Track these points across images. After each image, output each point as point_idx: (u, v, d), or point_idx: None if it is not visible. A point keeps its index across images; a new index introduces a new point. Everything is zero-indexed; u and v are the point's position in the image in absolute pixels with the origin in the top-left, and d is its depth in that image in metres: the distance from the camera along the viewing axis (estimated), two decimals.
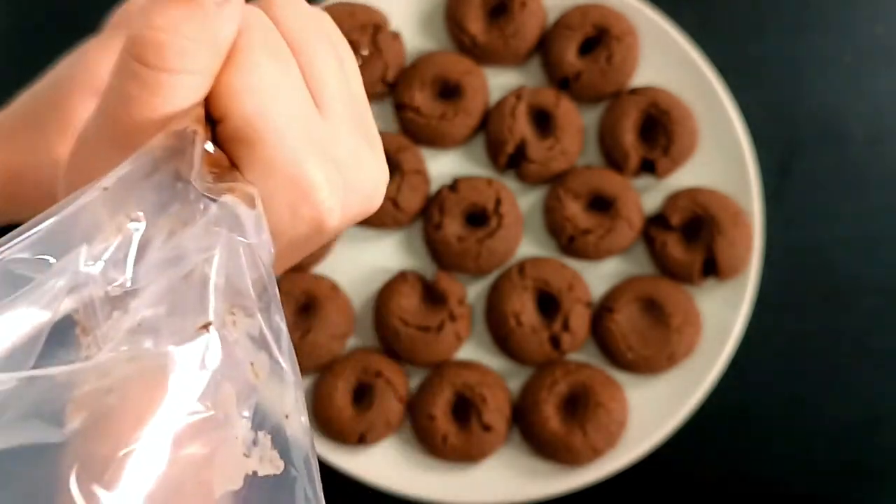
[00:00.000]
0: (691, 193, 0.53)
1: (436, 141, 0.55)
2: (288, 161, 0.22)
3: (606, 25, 0.54)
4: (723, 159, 0.54)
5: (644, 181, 0.55)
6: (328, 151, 0.24)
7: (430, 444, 0.52)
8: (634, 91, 0.54)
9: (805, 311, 0.56)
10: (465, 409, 0.52)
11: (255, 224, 0.21)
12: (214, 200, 0.20)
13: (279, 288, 0.55)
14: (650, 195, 0.55)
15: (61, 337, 0.18)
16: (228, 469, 0.19)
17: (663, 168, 0.53)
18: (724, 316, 0.53)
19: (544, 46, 0.55)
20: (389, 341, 0.53)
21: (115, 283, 0.18)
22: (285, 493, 0.20)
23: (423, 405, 0.52)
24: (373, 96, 0.56)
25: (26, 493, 0.17)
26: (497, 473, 0.53)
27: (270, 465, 0.19)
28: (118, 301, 0.18)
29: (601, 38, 0.54)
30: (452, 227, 0.53)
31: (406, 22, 0.56)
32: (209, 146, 0.22)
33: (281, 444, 0.20)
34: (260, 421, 0.20)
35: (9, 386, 0.17)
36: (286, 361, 0.20)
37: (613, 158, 0.54)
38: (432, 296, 0.54)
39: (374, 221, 0.54)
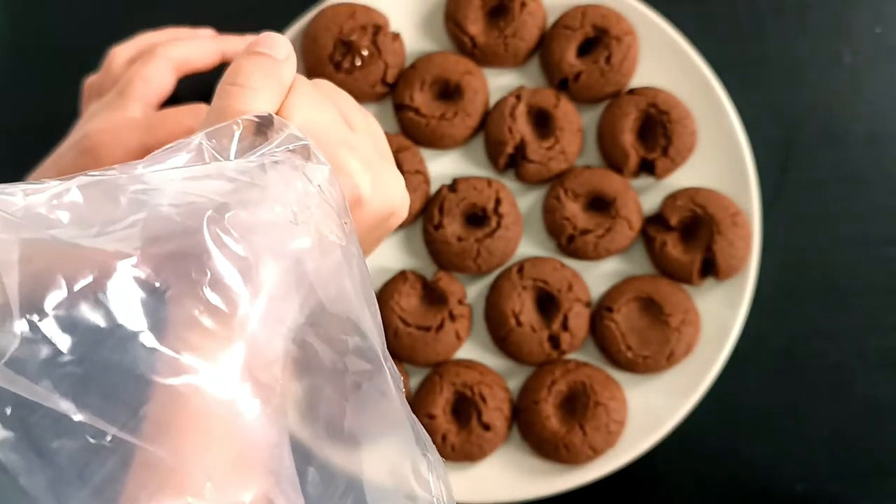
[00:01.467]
0: (690, 193, 0.53)
1: (436, 141, 0.55)
2: (327, 150, 0.31)
3: (606, 26, 0.54)
4: (722, 159, 0.54)
5: (643, 181, 0.55)
6: (358, 150, 0.33)
7: None
8: (634, 91, 0.54)
9: (804, 310, 0.56)
10: (464, 408, 0.53)
11: (328, 175, 0.30)
12: (284, 127, 0.31)
13: None
14: (649, 195, 0.55)
15: None
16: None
17: (662, 168, 0.53)
18: (723, 315, 0.53)
19: (544, 47, 0.55)
20: (389, 341, 0.53)
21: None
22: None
23: (423, 404, 0.53)
24: (373, 96, 0.56)
25: None
26: (497, 472, 0.53)
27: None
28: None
29: (600, 39, 0.54)
30: (452, 227, 0.53)
31: (406, 23, 0.56)
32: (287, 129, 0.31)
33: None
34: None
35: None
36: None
37: (613, 159, 0.54)
38: (432, 296, 0.54)
39: None
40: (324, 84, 0.37)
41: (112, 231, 0.24)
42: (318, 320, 0.28)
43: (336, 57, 0.54)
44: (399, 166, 0.53)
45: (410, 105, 0.55)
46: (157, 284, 0.24)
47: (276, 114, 0.32)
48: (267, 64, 0.33)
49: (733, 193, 0.53)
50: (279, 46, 0.34)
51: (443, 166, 0.56)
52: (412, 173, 0.54)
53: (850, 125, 0.57)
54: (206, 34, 0.54)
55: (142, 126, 0.45)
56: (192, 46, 0.50)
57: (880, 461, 0.55)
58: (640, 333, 0.53)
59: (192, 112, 0.47)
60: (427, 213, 0.54)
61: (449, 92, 0.55)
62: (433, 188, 0.55)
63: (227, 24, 0.60)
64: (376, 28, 0.55)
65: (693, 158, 0.54)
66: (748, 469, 0.55)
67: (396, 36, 0.55)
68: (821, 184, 0.57)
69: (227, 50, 0.52)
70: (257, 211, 0.26)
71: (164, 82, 0.48)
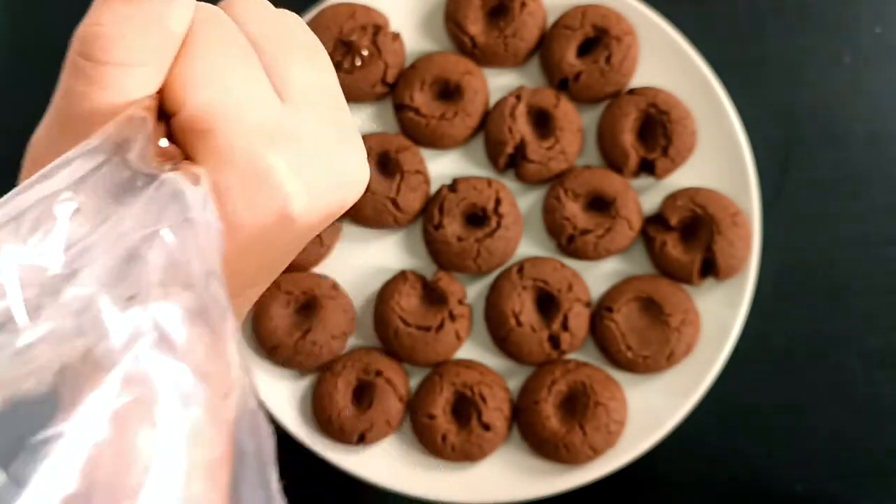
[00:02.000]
0: (690, 193, 0.53)
1: (435, 141, 0.55)
2: (242, 148, 0.22)
3: (606, 26, 0.54)
4: (722, 159, 0.54)
5: (643, 181, 0.55)
6: (290, 139, 0.23)
7: (430, 444, 0.52)
8: (633, 91, 0.54)
9: (804, 310, 0.56)
10: (464, 408, 0.53)
11: (202, 201, 0.20)
12: (156, 178, 0.20)
13: (279, 288, 0.55)
14: (649, 195, 0.55)
15: None
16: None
17: (662, 168, 0.53)
18: (723, 315, 0.53)
19: (544, 47, 0.55)
20: (389, 341, 0.53)
21: (49, 270, 0.18)
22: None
23: (423, 404, 0.53)
24: (373, 96, 0.56)
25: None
26: (497, 472, 0.53)
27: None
28: (50, 286, 0.18)
29: (600, 39, 0.54)
30: (452, 227, 0.53)
31: (406, 23, 0.56)
32: (163, 142, 0.22)
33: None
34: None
35: None
36: (229, 339, 0.19)
37: (613, 159, 0.54)
38: (432, 295, 0.54)
39: (374, 221, 0.54)
40: (241, 10, 0.25)
41: None
42: None
43: (336, 57, 0.54)
44: (399, 166, 0.54)
45: (410, 105, 0.55)
46: None
47: (161, 91, 0.22)
48: (143, 8, 0.21)
49: (733, 193, 0.53)
50: None
51: (443, 166, 0.56)
52: (412, 173, 0.54)
53: (850, 125, 0.57)
54: None
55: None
56: None
57: (880, 461, 0.55)
58: (640, 333, 0.53)
59: None
60: (427, 213, 0.54)
61: (449, 92, 0.55)
62: (433, 188, 0.55)
63: None
64: (376, 28, 0.55)
65: (693, 158, 0.54)
66: (748, 469, 0.55)
67: (396, 36, 0.55)
68: (821, 184, 0.57)
69: None
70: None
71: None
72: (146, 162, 0.20)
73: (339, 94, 0.26)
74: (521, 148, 0.54)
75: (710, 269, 0.52)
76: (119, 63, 0.21)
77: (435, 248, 0.54)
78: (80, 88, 0.21)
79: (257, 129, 0.22)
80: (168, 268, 0.19)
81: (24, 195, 0.18)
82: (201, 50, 0.22)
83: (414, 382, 0.55)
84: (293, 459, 0.53)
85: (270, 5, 0.26)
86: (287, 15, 0.26)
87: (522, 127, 0.54)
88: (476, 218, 0.54)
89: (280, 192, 0.23)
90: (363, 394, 0.53)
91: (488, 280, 0.55)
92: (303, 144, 0.24)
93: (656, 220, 0.54)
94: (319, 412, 0.53)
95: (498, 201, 0.53)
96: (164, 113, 0.22)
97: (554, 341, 0.53)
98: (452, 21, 0.55)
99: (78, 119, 0.21)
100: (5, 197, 0.18)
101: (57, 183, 0.19)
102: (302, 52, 0.25)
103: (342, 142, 0.25)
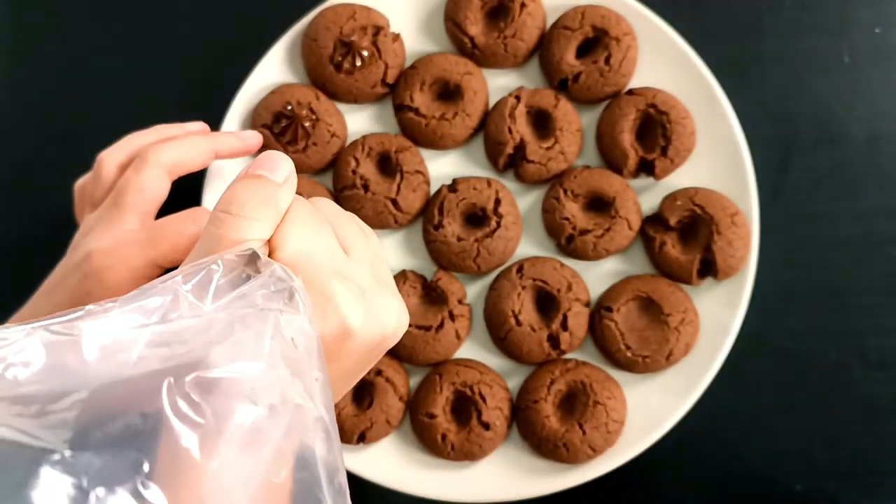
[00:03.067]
0: (689, 193, 0.53)
1: (435, 142, 0.55)
2: (318, 281, 0.31)
3: (605, 27, 0.54)
4: (721, 159, 0.54)
5: (642, 181, 0.55)
6: (350, 279, 0.33)
7: (430, 443, 0.53)
8: (633, 92, 0.54)
9: (803, 310, 0.56)
10: (464, 407, 0.53)
11: (301, 294, 0.29)
12: (269, 266, 0.29)
13: None
14: (648, 195, 0.55)
15: None
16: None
17: (661, 168, 0.53)
18: (721, 315, 0.53)
19: (543, 47, 0.55)
20: None
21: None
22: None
23: (423, 404, 0.53)
24: (373, 97, 0.56)
25: None
26: (496, 471, 0.53)
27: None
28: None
29: (600, 40, 0.54)
30: (452, 227, 0.54)
31: (406, 23, 0.57)
32: (275, 267, 0.30)
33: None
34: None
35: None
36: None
37: (612, 159, 0.54)
38: (432, 295, 0.54)
39: (374, 221, 0.54)
40: (323, 204, 0.36)
41: (51, 412, 0.24)
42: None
43: (336, 57, 0.54)
44: (399, 166, 0.54)
45: (410, 105, 0.55)
46: (84, 484, 0.23)
47: (270, 240, 0.32)
48: (264, 190, 0.32)
49: (732, 193, 0.53)
50: (279, 169, 0.33)
51: (443, 166, 0.56)
52: (412, 173, 0.54)
53: (849, 125, 0.57)
54: (195, 129, 0.52)
55: (143, 241, 0.44)
56: (184, 147, 0.48)
57: (880, 461, 0.55)
58: (640, 333, 0.53)
59: (191, 217, 0.46)
60: (427, 213, 0.55)
61: (449, 92, 0.55)
62: (433, 188, 0.55)
63: (230, 25, 0.61)
64: (376, 29, 0.55)
65: (692, 159, 0.54)
66: (747, 468, 0.55)
67: (396, 36, 0.55)
68: (820, 184, 0.57)
69: (221, 148, 0.50)
70: (219, 375, 0.26)
71: (160, 189, 0.46)
72: (262, 266, 0.29)
73: (383, 259, 0.37)
74: (520, 148, 0.54)
75: (709, 268, 0.53)
76: (248, 216, 0.31)
77: (435, 248, 0.54)
78: (220, 232, 0.31)
79: (328, 270, 0.32)
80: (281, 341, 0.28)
81: (195, 268, 0.28)
82: (297, 217, 0.33)
83: (414, 382, 0.55)
84: None
85: (338, 206, 0.37)
86: (350, 214, 0.38)
87: (522, 127, 0.54)
88: (476, 218, 0.54)
89: (342, 310, 0.32)
90: (363, 393, 0.53)
91: (488, 280, 0.55)
92: (358, 283, 0.33)
93: (655, 220, 0.54)
94: None
95: (498, 201, 0.54)
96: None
97: (553, 341, 0.53)
98: (452, 21, 0.55)
99: (217, 251, 0.30)
100: (194, 267, 0.28)
101: (215, 264, 0.29)
102: (357, 231, 0.36)
103: (384, 288, 0.35)
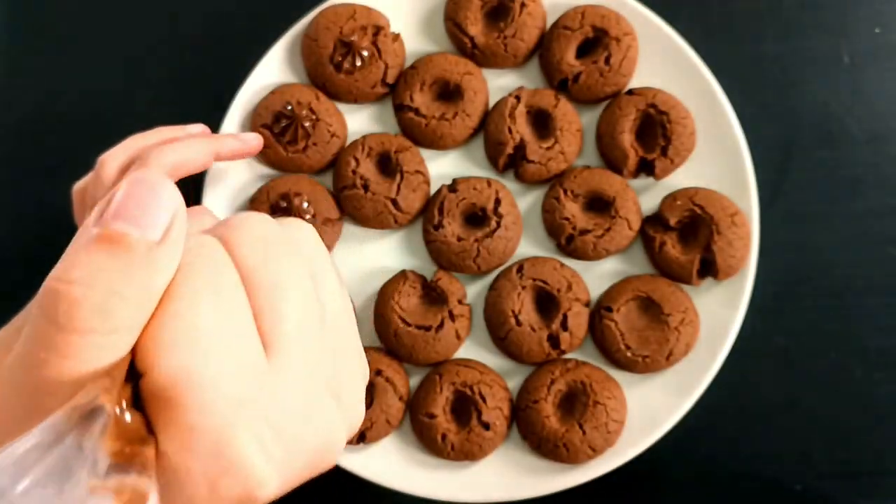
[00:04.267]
0: (689, 193, 0.53)
1: (435, 142, 0.55)
2: (212, 428, 0.19)
3: (605, 27, 0.54)
4: (720, 160, 0.54)
5: (642, 181, 0.55)
6: (270, 406, 0.21)
7: (430, 443, 0.53)
8: (633, 92, 0.54)
9: (803, 310, 0.56)
10: (464, 407, 0.53)
11: None
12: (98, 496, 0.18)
13: None
14: (648, 195, 0.55)
15: None
16: None
17: (661, 168, 0.53)
18: (721, 315, 0.53)
19: (543, 47, 0.55)
20: (390, 340, 0.54)
21: None
22: None
23: (423, 404, 0.53)
24: (373, 97, 0.56)
25: None
26: (496, 471, 0.53)
27: None
28: None
29: (600, 40, 0.54)
30: (452, 227, 0.54)
31: (406, 23, 0.57)
32: (126, 415, 0.19)
33: None
34: None
35: None
36: None
37: (612, 159, 0.54)
38: (432, 295, 0.54)
39: (374, 221, 0.54)
40: (241, 238, 0.22)
41: None
42: None
43: (336, 57, 0.54)
44: (399, 166, 0.54)
45: (410, 105, 0.55)
46: None
47: (136, 351, 0.19)
48: (121, 269, 0.18)
49: (732, 193, 0.53)
50: (149, 215, 0.19)
51: (443, 166, 0.56)
52: (412, 173, 0.54)
53: (849, 125, 0.57)
54: (195, 131, 0.51)
55: None
56: (185, 149, 0.47)
57: (880, 461, 0.55)
58: (640, 333, 0.53)
59: (192, 216, 0.44)
60: (427, 213, 0.55)
61: (449, 92, 0.55)
62: (433, 188, 0.55)
63: (230, 25, 0.61)
64: (376, 29, 0.55)
65: (692, 159, 0.54)
66: (747, 468, 0.55)
67: (396, 36, 0.55)
68: (819, 184, 0.57)
69: (221, 150, 0.50)
70: None
71: None
72: (93, 461, 0.18)
73: (342, 316, 0.24)
74: (520, 148, 0.54)
75: (709, 268, 0.52)
76: (87, 330, 0.18)
77: (435, 248, 0.54)
78: (44, 356, 0.18)
79: (230, 402, 0.20)
80: None
81: None
82: (182, 304, 0.19)
83: (414, 382, 0.55)
84: None
85: (273, 222, 0.23)
86: (293, 229, 0.24)
87: (522, 127, 0.54)
88: (476, 218, 0.54)
89: (248, 478, 0.20)
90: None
91: (488, 280, 0.55)
92: (286, 408, 0.21)
93: (655, 220, 0.54)
94: None
95: (498, 201, 0.54)
96: (135, 372, 0.19)
97: (553, 341, 0.53)
98: (452, 21, 0.55)
99: (34, 389, 0.18)
100: None
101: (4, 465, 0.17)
102: (302, 280, 0.22)
103: (332, 391, 0.23)
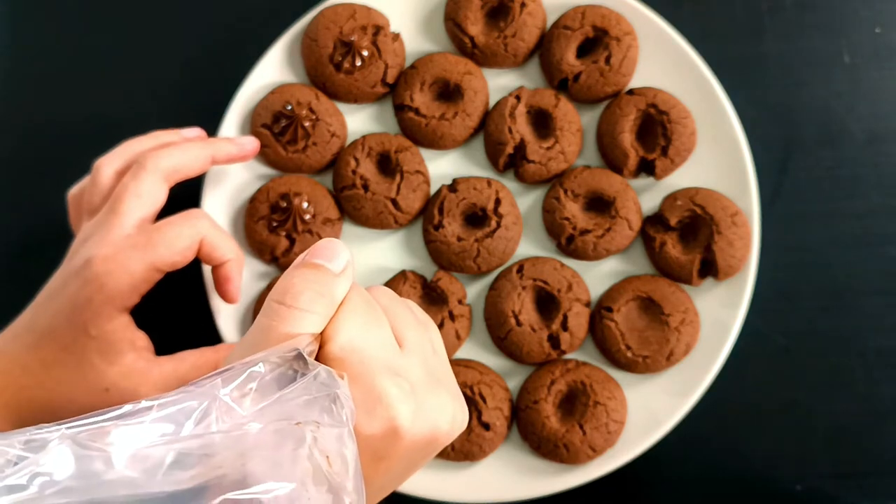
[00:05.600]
0: (690, 193, 0.53)
1: (435, 141, 0.55)
2: (367, 377, 0.31)
3: (605, 26, 0.54)
4: (721, 160, 0.54)
5: (642, 181, 0.55)
6: (403, 375, 0.32)
7: None
8: (633, 91, 0.54)
9: (803, 310, 0.56)
10: None
11: (344, 388, 0.29)
12: (314, 370, 0.29)
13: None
14: (649, 195, 0.55)
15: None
16: None
17: (662, 168, 0.53)
18: (722, 315, 0.53)
19: (543, 47, 0.55)
20: None
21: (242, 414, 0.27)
22: None
23: None
24: (373, 96, 0.56)
25: None
26: (496, 472, 0.53)
27: None
28: (238, 424, 0.27)
29: (600, 39, 0.54)
30: (452, 227, 0.54)
31: (406, 23, 0.57)
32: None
33: None
34: None
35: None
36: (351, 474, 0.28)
37: (612, 159, 0.54)
38: (432, 295, 0.54)
39: (374, 221, 0.54)
40: (380, 293, 0.36)
41: None
42: None
43: (336, 57, 0.54)
44: (399, 166, 0.54)
45: (410, 105, 0.55)
46: None
47: (323, 332, 0.32)
48: (320, 281, 0.32)
49: (733, 193, 0.53)
50: (336, 258, 0.33)
51: (443, 166, 0.56)
52: (412, 173, 0.54)
53: (849, 125, 0.57)
54: (192, 135, 0.52)
55: (142, 245, 0.44)
56: (181, 154, 0.48)
57: (880, 461, 0.55)
58: (640, 333, 0.53)
59: (189, 219, 0.46)
60: (427, 213, 0.55)
61: (449, 92, 0.55)
62: (433, 188, 0.55)
63: (230, 25, 0.60)
64: (376, 28, 0.55)
65: (692, 158, 0.54)
66: (747, 469, 0.55)
67: (396, 36, 0.55)
68: (820, 184, 0.57)
69: (218, 154, 0.50)
70: (248, 497, 0.25)
71: (157, 195, 0.46)
72: (307, 367, 0.29)
73: (440, 352, 0.37)
74: (520, 148, 0.54)
75: (710, 269, 0.52)
76: (301, 308, 0.31)
77: (435, 248, 0.54)
78: (272, 323, 0.31)
79: (378, 366, 0.31)
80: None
81: (236, 370, 0.28)
82: (351, 308, 0.33)
83: None
84: None
85: (396, 295, 0.37)
86: (409, 301, 0.38)
87: (522, 127, 0.54)
88: (476, 218, 0.54)
89: (391, 409, 0.31)
90: None
91: (488, 280, 0.55)
92: (410, 380, 0.32)
93: (656, 221, 0.54)
94: None
95: (498, 201, 0.54)
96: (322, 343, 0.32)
97: (553, 341, 0.53)
98: (452, 21, 0.55)
99: (266, 343, 0.30)
100: (237, 368, 0.28)
101: (255, 365, 0.28)
102: (413, 321, 0.36)
103: (438, 386, 0.34)
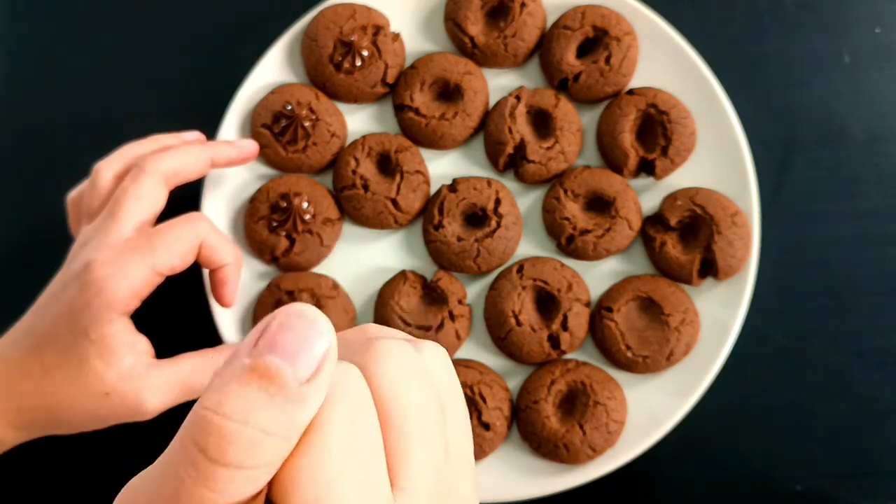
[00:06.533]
0: (690, 193, 0.53)
1: (435, 142, 0.55)
2: None
3: (605, 26, 0.54)
4: (721, 160, 0.54)
5: (642, 181, 0.55)
6: None
7: None
8: (633, 91, 0.54)
9: (803, 310, 0.56)
10: None
11: None
12: None
13: (280, 287, 0.55)
14: (649, 195, 0.55)
15: None
16: None
17: (662, 168, 0.53)
18: (722, 315, 0.53)
19: (543, 47, 0.55)
20: None
21: None
22: None
23: None
24: (373, 97, 0.56)
25: None
26: (496, 472, 0.53)
27: None
28: None
29: (600, 39, 0.54)
30: (452, 227, 0.54)
31: (406, 23, 0.57)
32: None
33: None
34: None
35: None
36: None
37: (612, 159, 0.54)
38: (432, 295, 0.54)
39: (374, 221, 0.54)
40: (383, 359, 0.23)
41: None
42: None
43: (336, 57, 0.54)
44: (399, 166, 0.54)
45: (410, 105, 0.55)
46: None
47: (277, 480, 0.20)
48: (271, 406, 0.19)
49: (732, 193, 0.53)
50: (305, 351, 0.20)
51: (443, 166, 0.56)
52: (412, 173, 0.54)
53: (849, 125, 0.57)
54: (191, 138, 0.52)
55: (142, 248, 0.44)
56: (181, 157, 0.48)
57: (880, 461, 0.55)
58: (640, 333, 0.53)
59: (189, 222, 0.46)
60: (427, 213, 0.55)
61: (449, 92, 0.55)
62: (433, 188, 0.55)
63: (230, 25, 0.60)
64: (376, 28, 0.55)
65: (692, 158, 0.54)
66: (747, 469, 0.55)
67: (396, 36, 0.55)
68: (820, 184, 0.57)
69: (217, 157, 0.50)
70: None
71: (157, 198, 0.46)
72: None
73: (465, 451, 0.24)
74: (520, 148, 0.54)
75: (710, 269, 0.52)
76: (232, 466, 0.19)
77: (435, 248, 0.54)
78: (188, 482, 0.19)
79: None
80: None
81: None
82: (321, 440, 0.20)
83: None
84: None
85: (411, 350, 0.24)
86: (429, 356, 0.24)
87: (522, 127, 0.54)
88: (476, 218, 0.54)
89: None
90: None
91: (488, 280, 0.55)
92: None
93: (656, 220, 0.54)
94: None
95: (498, 201, 0.54)
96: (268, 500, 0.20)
97: (553, 341, 0.53)
98: (452, 21, 0.55)
99: None
100: None
101: None
102: (433, 416, 0.23)
103: None
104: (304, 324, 0.20)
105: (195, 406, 0.19)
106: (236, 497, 0.19)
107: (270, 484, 0.20)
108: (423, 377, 0.23)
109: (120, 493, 0.21)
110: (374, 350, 0.23)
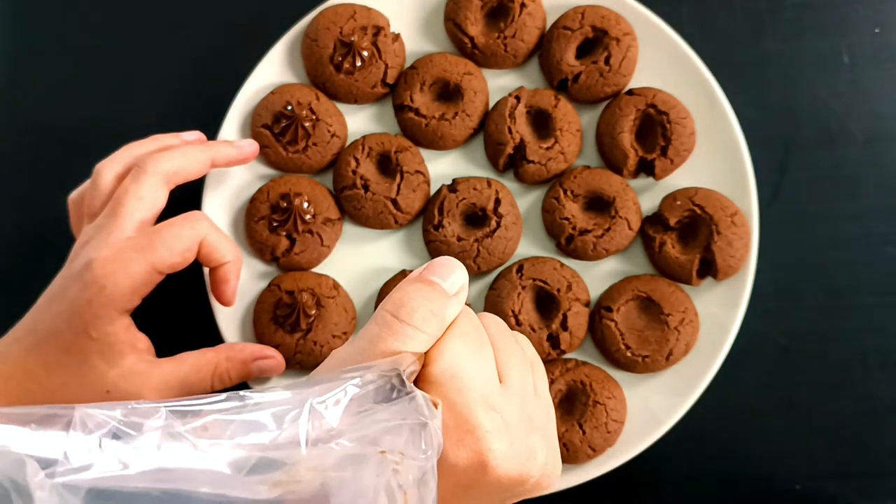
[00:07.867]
0: (689, 193, 0.53)
1: (435, 142, 0.55)
2: (462, 407, 0.31)
3: (605, 27, 0.54)
4: (720, 160, 0.54)
5: (642, 181, 0.55)
6: (500, 407, 0.32)
7: None
8: (633, 92, 0.54)
9: (803, 310, 0.56)
10: None
11: (434, 415, 0.29)
12: (410, 393, 0.29)
13: (280, 287, 0.55)
14: (648, 195, 0.55)
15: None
16: None
17: (661, 168, 0.53)
18: (721, 315, 0.53)
19: (543, 48, 0.55)
20: None
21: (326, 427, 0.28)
22: None
23: None
24: (373, 97, 0.56)
25: None
26: None
27: None
28: (326, 435, 0.28)
29: (600, 40, 0.54)
30: (452, 227, 0.54)
31: (406, 24, 0.57)
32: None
33: None
34: None
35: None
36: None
37: (612, 159, 0.54)
38: None
39: (374, 221, 0.54)
40: (490, 322, 0.36)
41: None
42: None
43: (336, 57, 0.55)
44: (399, 166, 0.54)
45: (410, 105, 0.55)
46: None
47: (428, 351, 0.32)
48: (434, 299, 0.32)
49: (732, 193, 0.53)
50: (452, 278, 0.33)
51: (443, 166, 0.56)
52: (412, 173, 0.54)
53: (849, 125, 0.57)
54: (191, 138, 0.52)
55: (142, 247, 0.44)
56: (181, 157, 0.48)
57: (880, 461, 0.55)
58: (639, 333, 0.53)
59: (189, 221, 0.46)
60: (427, 213, 0.55)
61: (449, 92, 0.55)
62: (433, 188, 0.55)
63: (230, 25, 0.61)
64: (377, 29, 0.55)
65: (692, 159, 0.54)
66: (747, 468, 0.56)
67: (396, 37, 0.56)
68: (820, 184, 0.57)
69: (217, 157, 0.51)
70: None
71: (157, 198, 0.46)
72: (406, 385, 0.29)
73: (543, 396, 0.36)
74: (520, 148, 0.54)
75: (709, 268, 0.53)
76: (413, 326, 0.31)
77: (435, 248, 0.54)
78: (383, 335, 0.31)
79: (477, 395, 0.31)
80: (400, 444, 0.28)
81: (335, 382, 0.29)
82: (458, 333, 0.32)
83: None
84: None
85: (507, 327, 0.37)
86: (521, 337, 0.38)
87: (522, 127, 0.54)
88: (476, 218, 0.54)
89: (481, 442, 0.31)
90: None
91: (488, 280, 0.55)
92: (506, 418, 0.32)
93: (655, 221, 0.54)
94: None
95: (497, 201, 0.54)
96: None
97: (553, 341, 0.53)
98: (452, 22, 0.55)
99: (372, 353, 0.31)
100: (335, 380, 0.29)
101: (353, 379, 0.29)
102: (519, 359, 0.35)
103: (533, 431, 0.33)
104: (452, 264, 0.34)
105: (384, 300, 0.32)
106: (411, 347, 0.31)
107: (426, 355, 0.32)
108: (517, 341, 0.36)
109: (334, 352, 0.32)
110: (486, 314, 0.37)
